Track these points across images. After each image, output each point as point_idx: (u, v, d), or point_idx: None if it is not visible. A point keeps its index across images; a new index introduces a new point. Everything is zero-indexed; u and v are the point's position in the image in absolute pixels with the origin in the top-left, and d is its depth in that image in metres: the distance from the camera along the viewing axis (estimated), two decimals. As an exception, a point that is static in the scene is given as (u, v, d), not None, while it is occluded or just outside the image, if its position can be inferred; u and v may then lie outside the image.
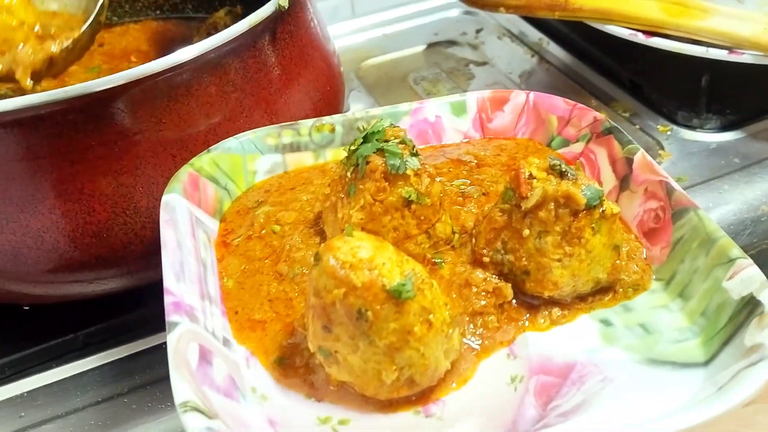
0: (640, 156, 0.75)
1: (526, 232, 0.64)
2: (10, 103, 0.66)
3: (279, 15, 0.80)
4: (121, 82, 0.67)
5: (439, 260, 0.69)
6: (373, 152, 0.67)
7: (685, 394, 0.58)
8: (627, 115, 1.12)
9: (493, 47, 1.35)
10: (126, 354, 0.83)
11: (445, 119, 0.86)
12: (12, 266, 0.75)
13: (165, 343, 0.81)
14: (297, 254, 0.71)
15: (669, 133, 1.08)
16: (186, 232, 0.69)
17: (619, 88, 1.17)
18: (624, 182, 0.76)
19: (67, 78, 0.93)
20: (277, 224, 0.75)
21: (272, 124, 0.82)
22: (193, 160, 0.75)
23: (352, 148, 0.69)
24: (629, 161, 0.76)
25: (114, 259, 0.76)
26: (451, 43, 1.38)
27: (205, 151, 0.76)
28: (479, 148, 0.85)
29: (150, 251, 0.77)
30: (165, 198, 0.70)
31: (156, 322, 0.83)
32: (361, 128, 0.73)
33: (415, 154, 0.68)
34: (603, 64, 1.22)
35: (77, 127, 0.69)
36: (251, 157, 0.80)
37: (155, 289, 0.80)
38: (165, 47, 1.11)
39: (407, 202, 0.67)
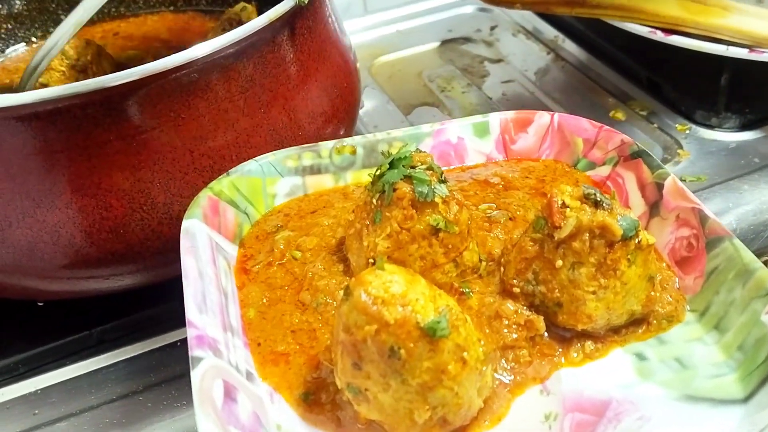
0: (671, 181, 0.73)
1: (559, 262, 0.62)
2: (27, 96, 0.65)
3: (298, 10, 0.79)
4: (140, 76, 0.67)
5: (467, 290, 0.67)
6: (400, 179, 0.65)
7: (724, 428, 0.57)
8: (645, 113, 1.11)
9: (507, 44, 1.34)
10: (141, 351, 0.82)
11: (468, 141, 0.84)
12: (27, 261, 0.74)
13: (180, 341, 0.83)
14: (320, 282, 0.69)
15: (687, 132, 1.07)
16: (207, 260, 0.67)
17: (636, 87, 1.16)
18: (654, 208, 0.74)
19: (98, 68, 0.93)
20: (297, 250, 0.73)
21: (290, 119, 0.81)
22: (213, 184, 0.73)
23: (378, 173, 0.66)
24: (659, 186, 0.74)
25: (130, 255, 0.76)
26: (466, 39, 1.37)
27: (225, 174, 0.75)
28: (507, 170, 0.82)
29: (167, 248, 0.76)
30: (185, 224, 0.69)
31: (172, 320, 0.84)
32: (386, 153, 0.71)
33: (443, 181, 0.66)
34: (620, 62, 1.21)
35: (95, 121, 0.68)
36: (271, 180, 0.78)
37: (171, 286, 0.80)
38: (183, 38, 1.11)
39: (435, 231, 0.65)
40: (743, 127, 1.06)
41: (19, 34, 1.14)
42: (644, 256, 0.63)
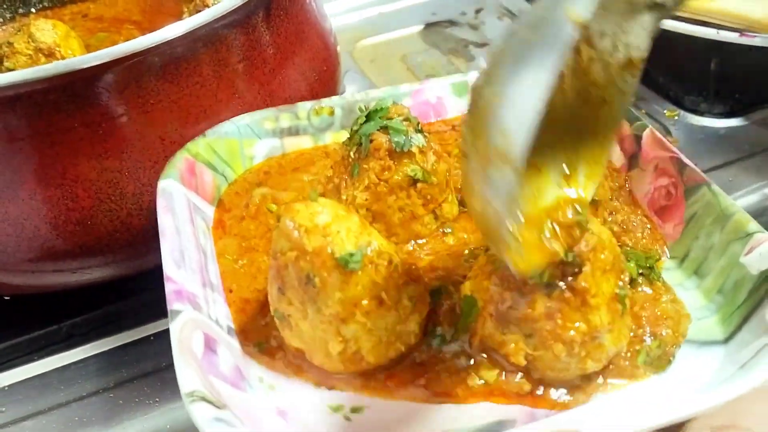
0: (649, 133, 0.74)
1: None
2: (-18, 81, 0.62)
3: (273, -10, 0.75)
4: (107, 59, 0.64)
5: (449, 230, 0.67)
6: (377, 130, 0.65)
7: (706, 373, 0.57)
8: (633, 99, 1.09)
9: (493, 28, 1.31)
10: (112, 346, 0.79)
11: (447, 100, 0.84)
12: (-9, 255, 0.71)
13: (153, 335, 0.80)
14: None
15: (676, 118, 1.05)
16: (185, 218, 0.67)
17: (624, 71, 1.14)
18: (633, 160, 0.75)
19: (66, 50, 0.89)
20: (273, 203, 0.73)
21: (267, 105, 0.79)
22: (189, 145, 0.72)
23: (355, 127, 0.67)
24: (638, 138, 0.75)
25: (99, 248, 0.73)
26: (450, 23, 1.33)
27: (201, 135, 0.73)
28: None
29: (137, 240, 0.73)
30: (161, 184, 0.68)
31: (143, 313, 0.81)
32: (363, 108, 0.70)
33: (419, 131, 0.66)
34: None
35: (58, 107, 0.65)
36: (248, 142, 0.77)
37: (142, 279, 0.78)
38: (156, 20, 1.07)
39: (413, 181, 0.65)
40: (733, 113, 1.04)
41: (-13, 14, 1.10)
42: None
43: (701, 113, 1.04)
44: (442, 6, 1.37)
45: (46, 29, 0.91)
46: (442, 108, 0.83)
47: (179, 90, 0.70)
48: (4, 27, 1.11)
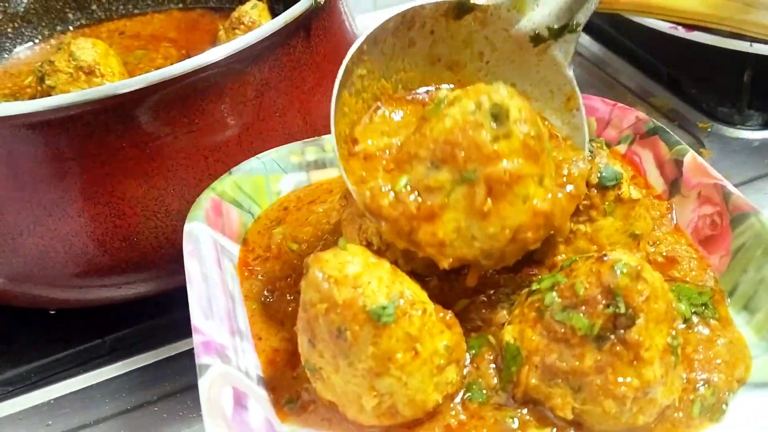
0: (691, 157, 0.71)
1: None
2: (39, 103, 0.64)
3: (314, 11, 0.77)
4: (153, 82, 0.65)
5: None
6: None
7: (760, 417, 0.54)
8: (665, 111, 1.09)
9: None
10: (155, 360, 0.81)
11: None
12: (39, 270, 0.72)
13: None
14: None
15: (709, 130, 1.04)
16: (211, 263, 0.65)
17: (656, 83, 1.14)
18: (674, 186, 0.72)
19: (105, 68, 0.91)
20: (294, 242, 0.71)
21: (306, 122, 0.79)
22: (215, 184, 0.71)
23: None
24: (678, 163, 0.72)
25: (144, 264, 0.74)
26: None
27: (226, 173, 0.72)
28: None
29: (180, 255, 0.74)
30: (188, 227, 0.66)
31: (186, 327, 0.81)
32: None
33: None
34: (638, 57, 1.19)
35: (108, 128, 0.66)
36: (275, 177, 0.76)
37: (185, 294, 0.78)
38: (192, 37, 1.09)
39: None
40: (766, 124, 1.03)
41: (26, 33, 1.12)
42: (625, 210, 0.61)
43: (734, 125, 1.04)
44: (471, 18, 1.38)
45: (86, 48, 0.93)
46: None
47: (222, 110, 0.71)
48: (42, 44, 1.13)
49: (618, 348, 0.50)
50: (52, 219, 0.69)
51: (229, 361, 0.57)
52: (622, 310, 0.50)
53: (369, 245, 0.62)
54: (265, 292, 0.67)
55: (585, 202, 0.61)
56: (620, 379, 0.51)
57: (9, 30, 1.11)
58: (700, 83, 1.10)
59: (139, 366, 0.80)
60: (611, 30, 1.23)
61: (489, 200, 0.53)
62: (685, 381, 0.55)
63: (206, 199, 0.70)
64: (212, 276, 0.64)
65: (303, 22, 0.76)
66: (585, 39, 1.27)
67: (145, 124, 0.68)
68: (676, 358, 0.53)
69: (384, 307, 0.50)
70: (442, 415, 0.56)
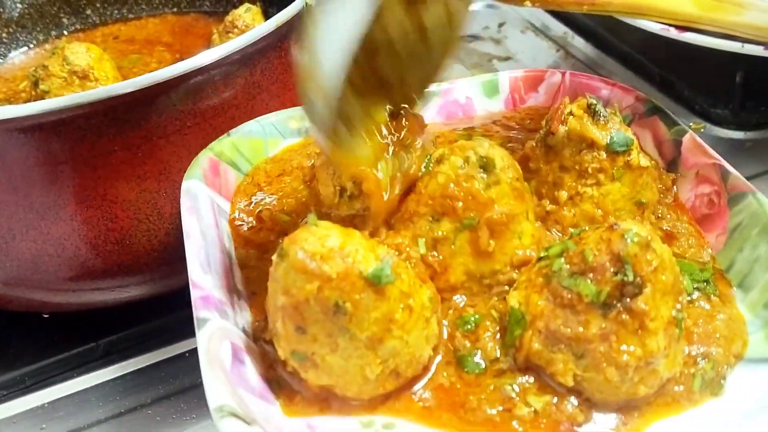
0: (689, 138, 0.72)
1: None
2: (31, 107, 0.64)
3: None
4: (145, 85, 0.65)
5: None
6: None
7: (757, 392, 0.55)
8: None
9: (516, 41, 1.32)
10: (149, 363, 0.81)
11: (476, 100, 0.82)
12: (32, 274, 0.72)
13: (188, 352, 0.81)
14: None
15: (702, 130, 1.04)
16: (209, 222, 0.65)
17: (649, 84, 1.14)
18: (672, 166, 0.73)
19: (99, 72, 0.91)
20: (284, 214, 0.71)
21: (298, 126, 0.79)
22: (213, 144, 0.71)
23: None
24: (677, 143, 0.72)
25: (137, 267, 0.74)
26: (474, 37, 1.35)
27: (225, 134, 0.72)
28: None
29: (173, 258, 0.75)
30: (186, 184, 0.66)
31: (179, 330, 0.82)
32: None
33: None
34: (631, 59, 1.19)
35: (100, 131, 0.67)
36: (273, 142, 0.76)
37: (177, 297, 0.79)
38: (186, 40, 1.10)
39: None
40: (759, 125, 1.04)
41: (21, 38, 1.12)
42: (634, 177, 0.63)
43: (727, 126, 1.05)
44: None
45: (80, 52, 0.93)
46: (470, 108, 0.82)
47: (215, 112, 0.72)
48: (37, 49, 1.13)
49: (623, 316, 0.51)
50: (45, 222, 0.69)
51: (227, 316, 0.58)
52: (630, 278, 0.50)
53: (343, 190, 0.63)
54: (262, 261, 0.66)
55: (594, 165, 0.63)
56: (624, 348, 0.51)
57: (4, 35, 1.11)
58: (693, 84, 1.10)
59: (132, 369, 0.80)
60: (604, 32, 1.24)
61: (492, 241, 0.59)
62: (686, 355, 0.56)
63: (204, 159, 0.70)
64: (210, 234, 0.64)
65: (294, 26, 0.76)
66: (578, 41, 1.28)
67: (136, 128, 0.68)
68: (680, 331, 0.53)
69: (381, 269, 0.50)
70: (434, 375, 0.57)
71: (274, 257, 0.52)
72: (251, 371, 0.56)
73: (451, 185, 0.58)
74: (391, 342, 0.52)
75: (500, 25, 1.37)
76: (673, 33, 1.00)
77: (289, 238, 0.51)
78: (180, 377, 0.79)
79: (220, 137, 0.72)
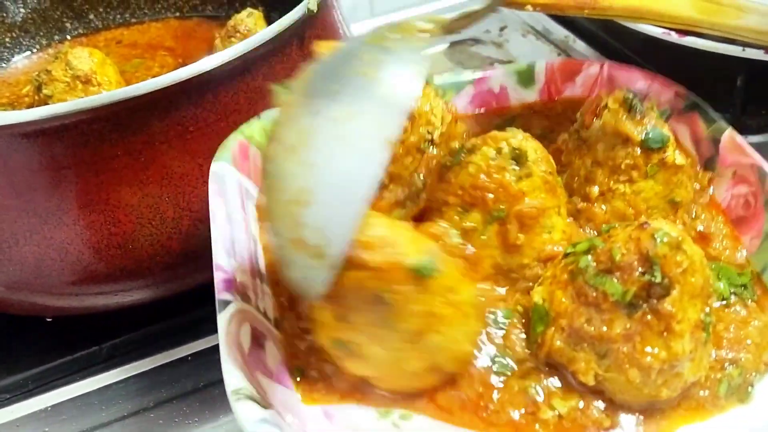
0: (728, 136, 0.70)
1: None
2: (34, 112, 0.64)
3: (307, 19, 0.77)
4: (147, 90, 0.65)
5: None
6: None
7: None
8: (659, 115, 1.09)
9: (517, 45, 1.32)
10: (152, 366, 0.81)
11: (511, 90, 0.80)
12: (35, 278, 0.73)
13: (191, 355, 0.82)
14: None
15: (703, 134, 1.05)
16: (236, 205, 0.64)
17: (649, 88, 1.14)
18: (709, 164, 0.71)
19: (102, 77, 0.91)
20: None
21: (300, 130, 0.80)
22: (243, 127, 0.70)
23: None
24: (715, 141, 0.71)
25: (139, 271, 0.74)
26: (475, 41, 1.35)
27: (255, 117, 0.71)
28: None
29: (176, 262, 0.75)
30: (214, 167, 0.66)
31: (181, 334, 0.83)
32: None
33: (437, 93, 0.66)
34: (632, 63, 1.18)
35: (103, 136, 0.67)
36: None
37: (180, 301, 0.79)
38: (188, 45, 1.10)
39: (429, 142, 0.63)
40: (760, 129, 1.04)
41: (24, 43, 1.13)
42: (668, 175, 0.62)
43: (728, 130, 1.05)
44: (467, 25, 1.39)
45: (83, 57, 0.93)
46: (505, 98, 0.80)
47: (217, 118, 0.72)
48: (40, 54, 1.14)
49: (649, 317, 0.50)
50: (48, 227, 0.70)
51: (249, 300, 0.57)
52: (658, 279, 0.49)
53: None
54: None
55: (628, 162, 0.62)
56: (648, 349, 0.50)
57: (7, 40, 1.12)
58: (694, 88, 1.10)
59: (135, 373, 0.81)
60: (605, 35, 1.24)
61: (520, 235, 0.58)
62: (713, 359, 0.55)
63: (234, 141, 0.69)
64: (236, 217, 0.63)
65: (296, 31, 0.77)
66: (580, 44, 1.28)
67: (139, 133, 0.68)
68: (708, 335, 0.52)
69: (426, 262, 0.49)
70: (469, 379, 0.55)
71: None
72: (271, 356, 0.55)
73: (482, 176, 0.57)
74: (432, 336, 0.51)
75: (501, 28, 1.37)
76: (674, 37, 1.00)
77: None
78: (182, 381, 0.79)
79: (250, 120, 0.71)
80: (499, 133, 0.59)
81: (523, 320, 0.58)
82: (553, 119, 0.77)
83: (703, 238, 0.65)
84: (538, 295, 0.56)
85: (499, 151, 0.58)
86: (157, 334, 0.83)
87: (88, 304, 0.78)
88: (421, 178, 0.63)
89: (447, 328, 0.51)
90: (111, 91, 0.65)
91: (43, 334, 0.84)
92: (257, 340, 0.55)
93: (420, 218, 0.64)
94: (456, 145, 0.61)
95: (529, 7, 1.11)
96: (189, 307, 0.83)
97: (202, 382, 0.79)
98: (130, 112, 0.67)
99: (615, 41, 1.22)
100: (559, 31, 1.32)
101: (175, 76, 0.67)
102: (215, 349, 0.80)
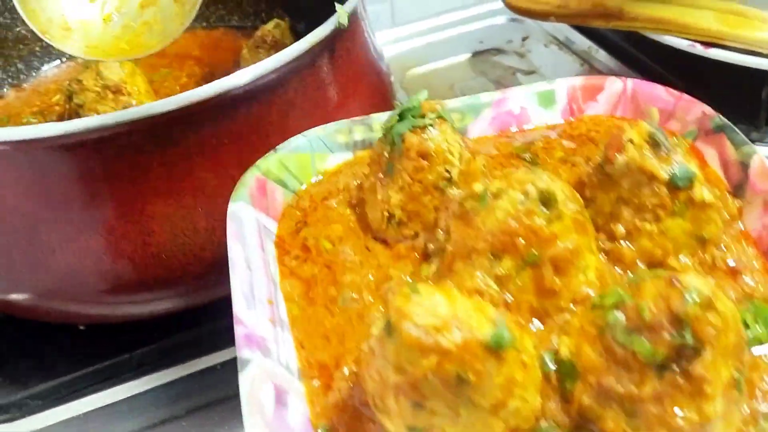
0: (758, 160, 0.67)
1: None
2: (73, 124, 0.65)
3: (338, 32, 0.78)
4: (186, 103, 0.66)
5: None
6: (409, 129, 0.63)
7: None
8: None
9: (540, 55, 1.33)
10: (182, 375, 0.82)
11: (532, 111, 0.78)
12: (70, 287, 0.74)
13: (220, 364, 0.82)
14: (344, 277, 0.64)
15: (727, 146, 1.05)
16: (255, 246, 0.64)
17: (673, 99, 1.15)
18: (738, 190, 0.67)
19: (132, 87, 0.92)
20: (327, 241, 0.68)
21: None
22: (259, 162, 0.69)
23: (388, 125, 0.65)
24: (744, 166, 0.68)
25: (172, 280, 0.75)
26: (497, 51, 1.35)
27: (272, 150, 0.71)
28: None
29: (208, 272, 0.76)
30: (232, 207, 0.65)
31: (210, 342, 0.83)
32: (398, 104, 0.68)
33: (454, 130, 0.65)
34: (656, 74, 1.19)
35: (140, 148, 0.68)
36: (320, 156, 0.73)
37: (210, 309, 0.80)
38: (215, 55, 1.12)
39: (448, 181, 0.64)
40: (784, 141, 1.04)
41: (54, 52, 1.14)
42: (696, 212, 0.59)
43: (752, 142, 1.04)
44: (489, 34, 1.40)
45: (113, 67, 0.95)
46: (525, 119, 0.78)
47: (250, 130, 0.73)
48: (69, 63, 1.15)
49: (680, 379, 0.48)
50: (84, 237, 0.71)
51: (269, 353, 0.56)
52: (690, 342, 0.47)
53: (391, 217, 0.64)
54: (305, 301, 0.64)
55: (653, 200, 0.60)
56: (678, 411, 0.48)
57: (37, 49, 1.13)
58: (717, 100, 1.09)
59: (166, 381, 0.82)
60: (628, 46, 1.24)
61: (556, 279, 0.57)
62: (747, 413, 0.53)
63: (251, 178, 0.68)
64: (255, 260, 0.63)
65: (327, 44, 0.78)
66: (602, 55, 1.28)
67: (175, 145, 0.69)
68: (740, 393, 0.51)
69: (500, 333, 0.47)
70: None
71: (374, 330, 0.50)
72: (293, 413, 0.54)
73: (511, 221, 0.56)
74: (513, 403, 0.50)
75: (524, 38, 1.38)
76: (699, 49, 1.01)
77: (397, 312, 0.48)
78: (212, 389, 0.80)
79: (267, 154, 0.70)
80: (523, 175, 0.58)
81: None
82: (576, 140, 0.76)
83: (734, 273, 0.62)
84: (565, 347, 0.55)
85: (526, 194, 0.56)
86: (187, 342, 0.84)
87: (120, 313, 0.79)
88: (442, 225, 0.63)
89: (524, 391, 0.51)
90: (150, 104, 0.65)
91: (75, 341, 0.85)
92: (280, 398, 0.54)
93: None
94: (478, 187, 0.59)
95: (552, 18, 1.12)
96: (218, 315, 0.83)
97: (231, 391, 0.78)
98: (167, 125, 0.68)
99: (638, 52, 1.22)
100: (582, 42, 1.33)
101: (213, 88, 0.67)
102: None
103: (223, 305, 0.81)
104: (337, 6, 0.78)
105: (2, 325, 0.87)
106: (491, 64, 1.32)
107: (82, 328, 0.85)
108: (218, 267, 0.75)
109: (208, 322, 0.84)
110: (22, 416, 0.80)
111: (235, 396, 0.79)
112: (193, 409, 0.79)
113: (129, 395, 0.81)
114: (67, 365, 0.82)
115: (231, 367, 0.82)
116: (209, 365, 0.82)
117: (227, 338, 0.83)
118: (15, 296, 0.76)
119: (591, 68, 1.27)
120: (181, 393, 0.80)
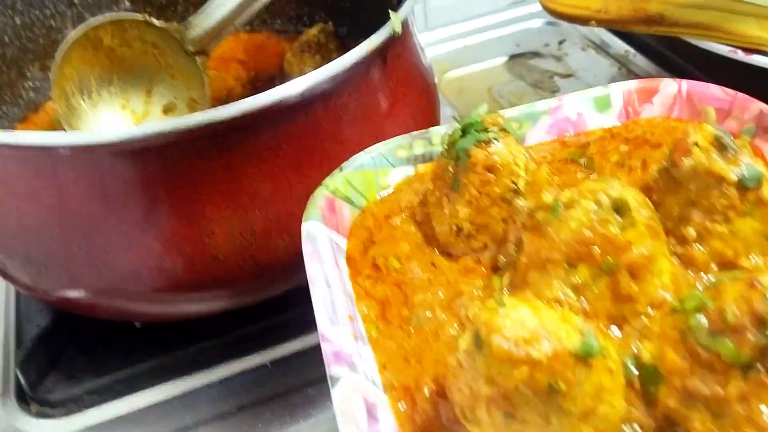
0: None
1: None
2: (139, 130, 0.67)
3: (391, 40, 0.80)
4: (250, 110, 0.68)
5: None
6: (474, 144, 0.65)
7: None
8: (722, 133, 1.10)
9: (577, 59, 1.34)
10: (234, 372, 0.84)
11: (588, 116, 0.80)
12: (131, 286, 0.76)
13: (271, 362, 0.84)
14: (416, 297, 0.65)
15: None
16: (330, 264, 0.65)
17: (712, 105, 1.15)
18: None
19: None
20: (396, 259, 0.69)
21: (379, 146, 0.82)
22: (327, 181, 0.71)
23: (451, 140, 0.66)
24: None
25: (228, 280, 0.77)
26: (534, 54, 1.37)
27: (337, 169, 0.72)
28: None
29: (263, 273, 0.78)
30: (306, 226, 0.66)
31: (262, 339, 0.86)
32: (458, 118, 0.69)
33: (517, 141, 0.67)
34: (693, 78, 1.19)
35: (202, 153, 0.70)
36: (383, 172, 0.75)
37: (262, 308, 0.82)
38: (259, 58, 1.14)
39: (514, 191, 0.65)
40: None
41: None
42: (765, 211, 0.60)
43: (793, 148, 1.05)
44: (526, 38, 1.41)
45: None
46: (582, 125, 0.80)
47: (306, 136, 0.75)
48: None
49: (765, 379, 0.49)
50: (147, 238, 0.73)
51: (356, 369, 0.57)
52: None
53: (459, 231, 0.65)
54: (382, 322, 0.65)
55: (723, 202, 0.61)
56: (765, 410, 0.49)
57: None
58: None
59: (218, 378, 0.84)
60: (665, 50, 1.25)
61: (633, 285, 0.57)
62: None
63: (320, 197, 0.69)
64: (332, 277, 0.64)
65: (380, 51, 0.79)
66: (640, 59, 1.29)
67: (235, 150, 0.71)
68: None
69: (588, 343, 0.49)
70: None
71: (462, 344, 0.51)
72: (385, 425, 0.55)
73: (585, 230, 0.57)
74: (602, 409, 0.51)
75: (560, 42, 1.39)
76: (740, 55, 1.01)
77: (485, 325, 0.49)
78: (264, 386, 0.82)
79: (333, 173, 0.72)
80: (595, 184, 0.59)
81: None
82: (632, 142, 0.77)
83: None
84: (647, 353, 0.56)
85: (598, 203, 0.58)
86: (239, 339, 0.86)
87: (175, 311, 0.81)
88: (512, 236, 0.64)
89: (612, 397, 0.52)
90: (214, 110, 0.67)
91: (129, 338, 0.88)
92: (371, 412, 0.55)
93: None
94: (547, 197, 0.60)
95: (593, 23, 1.13)
96: (269, 313, 0.86)
97: (283, 388, 0.82)
98: (230, 131, 0.70)
99: (675, 56, 1.23)
100: (619, 46, 1.33)
101: (272, 96, 0.69)
102: (295, 356, 0.85)
103: (274, 305, 0.84)
104: (392, 14, 0.80)
105: (60, 322, 0.90)
106: (528, 68, 1.33)
107: (138, 326, 0.88)
108: (272, 268, 0.78)
109: (258, 320, 0.87)
110: (78, 411, 0.83)
111: (284, 394, 0.82)
112: (245, 406, 0.81)
113: (182, 392, 0.83)
114: (122, 362, 0.85)
115: (281, 365, 0.85)
116: (260, 363, 0.85)
117: (276, 337, 0.86)
118: (75, 293, 0.78)
119: (628, 72, 1.28)
120: (233, 390, 0.83)
